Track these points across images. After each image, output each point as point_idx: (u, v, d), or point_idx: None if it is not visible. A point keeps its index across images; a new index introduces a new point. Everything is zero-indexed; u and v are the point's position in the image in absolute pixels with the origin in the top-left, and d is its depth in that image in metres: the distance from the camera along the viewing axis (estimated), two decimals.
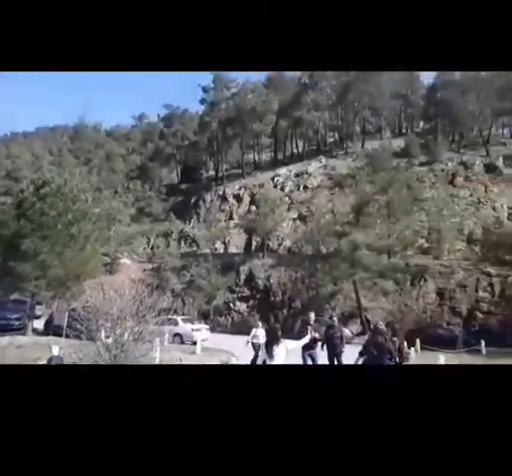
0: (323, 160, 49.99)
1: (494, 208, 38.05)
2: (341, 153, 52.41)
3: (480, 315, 26.07)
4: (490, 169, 43.04)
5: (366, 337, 11.17)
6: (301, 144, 56.77)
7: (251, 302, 33.67)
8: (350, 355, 9.73)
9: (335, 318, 12.08)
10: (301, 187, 45.72)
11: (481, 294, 27.23)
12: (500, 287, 27.33)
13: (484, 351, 21.17)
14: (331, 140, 59.64)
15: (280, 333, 6.52)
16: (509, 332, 24.29)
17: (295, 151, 57.43)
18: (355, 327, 27.74)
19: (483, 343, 21.23)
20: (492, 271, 28.41)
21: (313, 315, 11.69)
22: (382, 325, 9.09)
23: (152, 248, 46.26)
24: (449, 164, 44.49)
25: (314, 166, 48.76)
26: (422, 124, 60.60)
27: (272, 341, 6.37)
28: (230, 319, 33.38)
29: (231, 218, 45.43)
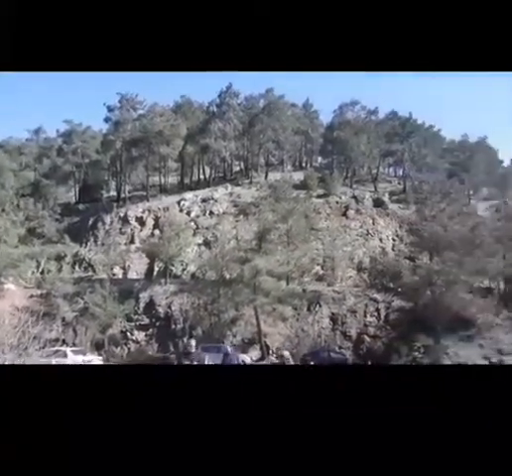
0: (229, 187, 51.19)
1: (381, 239, 41.97)
2: (246, 182, 54.16)
3: (368, 339, 28.16)
4: (378, 203, 47.63)
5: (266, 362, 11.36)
6: (208, 170, 57.59)
7: (150, 331, 32.46)
8: None
9: (228, 346, 11.94)
10: (207, 213, 46.07)
11: (369, 318, 29.54)
12: (385, 312, 29.93)
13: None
14: (237, 169, 61.45)
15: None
16: (392, 355, 26.53)
17: (201, 177, 57.99)
18: (255, 353, 28.15)
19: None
20: (378, 297, 31.06)
21: (193, 343, 11.57)
22: (285, 352, 9.33)
23: (42, 272, 42.54)
24: (343, 197, 48.30)
25: (220, 192, 49.62)
26: (320, 159, 65.31)
27: None
28: (127, 350, 31.73)
29: (132, 242, 43.90)
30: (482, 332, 29.28)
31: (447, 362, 26.06)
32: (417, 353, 27.03)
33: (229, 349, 11.74)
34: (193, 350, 10.94)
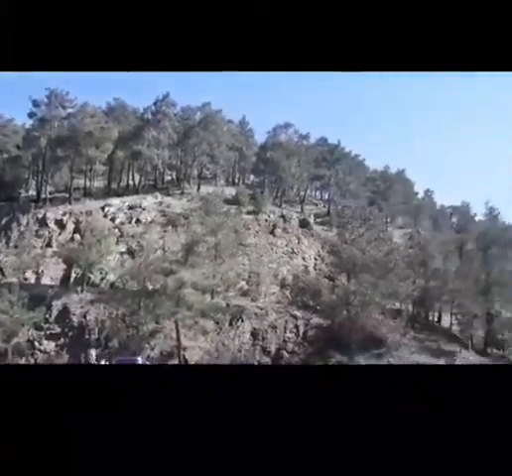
0: (159, 197, 50.22)
1: (304, 258, 43.47)
2: (177, 192, 53.55)
3: (286, 355, 28.80)
4: (303, 224, 49.46)
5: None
6: (137, 177, 56.10)
7: (61, 341, 30.39)
8: None
9: (139, 358, 11.38)
10: (133, 221, 44.66)
11: (288, 334, 30.26)
12: (304, 328, 30.85)
13: None
14: (169, 178, 60.62)
15: None
16: None
17: (130, 183, 56.33)
18: None
19: None
20: (298, 314, 31.99)
21: (93, 353, 11.06)
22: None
23: None
24: (272, 216, 49.53)
25: (149, 201, 48.47)
26: (252, 177, 66.69)
27: None
28: (33, 360, 29.35)
29: (49, 246, 41.16)
30: (391, 351, 31.27)
31: None
32: None
33: (140, 361, 11.20)
34: (93, 361, 10.33)
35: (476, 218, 46.53)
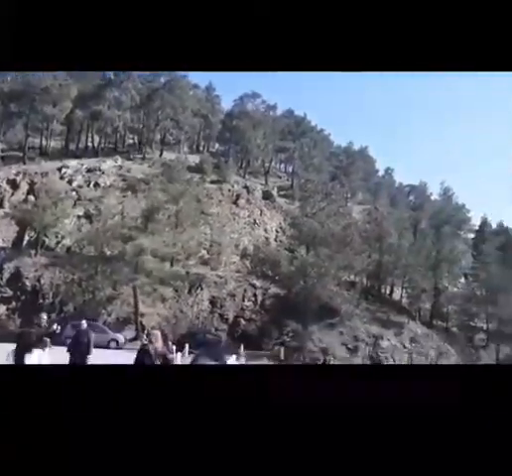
0: (119, 160, 48.55)
1: (265, 230, 43.88)
2: (139, 157, 51.95)
3: (243, 322, 29.44)
4: (266, 196, 49.62)
5: (139, 343, 10.99)
6: (97, 139, 53.79)
7: (13, 305, 29.56)
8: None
9: (84, 323, 11.19)
10: (91, 184, 43.13)
11: (246, 303, 30.85)
12: (262, 297, 31.53)
13: (243, 354, 23.92)
14: (130, 142, 58.54)
15: (34, 340, 6.08)
16: (265, 337, 28.13)
17: (89, 145, 54.00)
18: (130, 333, 27.48)
19: (242, 347, 23.99)
20: (257, 283, 32.57)
21: (45, 316, 10.86)
22: (155, 331, 9.25)
23: None
24: (235, 186, 49.28)
25: (108, 164, 46.78)
26: (217, 146, 65.59)
27: (23, 349, 5.89)
28: None
29: (1, 206, 39.25)
30: (344, 320, 32.63)
31: (311, 346, 28.54)
32: (286, 337, 29.10)
33: (85, 325, 10.96)
34: (45, 324, 10.18)
35: (432, 198, 48.34)
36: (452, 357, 35.10)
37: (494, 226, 56.69)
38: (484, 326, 40.45)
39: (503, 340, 38.94)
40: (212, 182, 48.21)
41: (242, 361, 14.49)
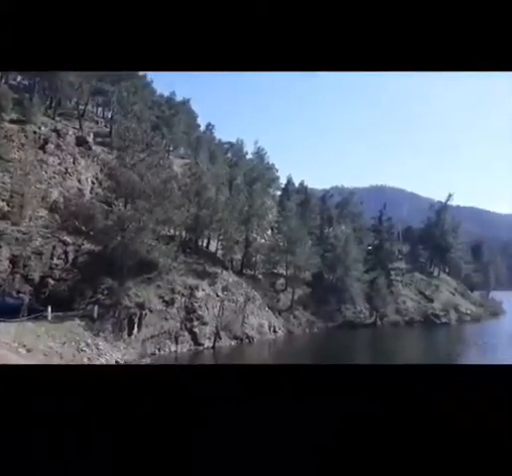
0: None
1: (79, 181, 40.58)
2: None
3: (52, 282, 27.53)
4: (81, 142, 45.34)
5: None
6: None
7: None
8: None
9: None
10: None
11: (56, 261, 28.76)
12: (74, 255, 29.77)
13: (50, 317, 22.59)
14: None
15: None
16: (76, 297, 26.97)
17: None
18: None
19: (50, 309, 22.63)
20: (69, 239, 30.48)
21: None
22: None
23: None
24: (43, 128, 43.52)
25: None
26: (19, 78, 55.92)
27: None
28: None
29: None
30: (161, 274, 33.47)
31: (127, 302, 28.68)
32: (100, 295, 28.47)
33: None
34: None
35: (247, 156, 51.61)
36: (258, 301, 39.96)
37: (297, 185, 64.29)
38: (284, 273, 46.76)
39: (298, 284, 45.90)
40: (13, 122, 41.53)
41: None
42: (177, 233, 40.61)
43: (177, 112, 55.04)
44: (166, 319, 30.72)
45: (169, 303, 31.67)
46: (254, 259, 45.81)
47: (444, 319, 53.87)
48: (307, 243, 46.79)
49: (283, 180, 64.06)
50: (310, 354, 35.11)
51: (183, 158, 54.90)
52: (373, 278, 50.86)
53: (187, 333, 31.33)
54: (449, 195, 69.09)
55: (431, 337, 46.91)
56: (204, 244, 44.35)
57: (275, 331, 39.24)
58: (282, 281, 46.89)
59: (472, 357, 33.54)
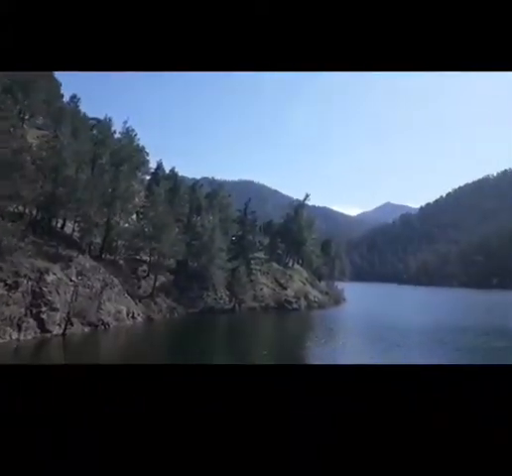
0: None
1: None
2: None
3: None
4: None
5: None
6: None
7: None
8: None
9: None
10: None
11: None
12: None
13: None
14: None
15: None
16: None
17: None
18: None
19: None
20: None
21: None
22: None
23: None
24: None
25: None
26: None
27: None
28: None
29: None
30: (4, 255, 29.90)
31: None
32: None
33: None
34: None
35: (115, 136, 48.81)
36: (117, 287, 38.45)
37: (167, 172, 63.24)
38: (147, 259, 45.80)
39: (161, 271, 45.45)
40: None
41: None
42: (26, 211, 36.70)
43: (35, 77, 49.25)
44: (7, 305, 27.65)
45: (12, 287, 28.54)
46: (115, 244, 43.88)
47: (295, 305, 58.88)
48: (173, 230, 46.48)
49: (153, 165, 62.41)
50: (167, 338, 35.23)
51: (40, 129, 49.49)
52: (235, 266, 53.03)
53: (32, 320, 28.67)
54: (307, 195, 75.97)
55: (282, 321, 50.94)
56: (59, 225, 40.93)
57: (134, 317, 38.31)
58: (144, 267, 45.88)
59: (320, 340, 37.43)
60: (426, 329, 43.25)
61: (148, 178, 59.54)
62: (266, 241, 68.55)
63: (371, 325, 47.07)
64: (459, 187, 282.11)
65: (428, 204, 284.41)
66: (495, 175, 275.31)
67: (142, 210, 47.74)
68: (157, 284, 44.40)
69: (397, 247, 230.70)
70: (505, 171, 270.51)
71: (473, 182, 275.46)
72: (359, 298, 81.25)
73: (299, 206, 75.17)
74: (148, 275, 44.98)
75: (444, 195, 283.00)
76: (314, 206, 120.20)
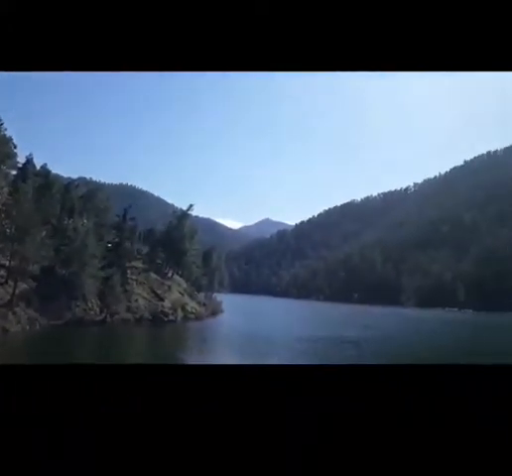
0: None
1: None
2: None
3: None
4: None
5: None
6: None
7: None
8: None
9: None
10: None
11: None
12: None
13: None
14: None
15: None
16: None
17: None
18: None
19: None
20: None
21: None
22: None
23: None
24: None
25: None
26: None
27: None
28: None
29: None
30: None
31: None
32: None
33: None
34: None
35: None
36: None
37: (38, 168, 57.51)
38: (6, 263, 40.89)
39: (22, 277, 40.92)
40: None
41: None
42: None
43: None
44: None
45: None
46: None
47: (171, 317, 57.78)
48: (40, 232, 42.32)
49: (21, 160, 56.20)
50: (19, 353, 31.61)
51: None
52: (109, 275, 50.20)
53: None
54: (191, 205, 75.82)
55: (155, 333, 49.60)
56: None
57: None
58: (3, 272, 40.84)
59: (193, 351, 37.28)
60: (289, 339, 46.75)
61: (14, 172, 53.43)
62: (146, 249, 66.38)
63: (243, 335, 48.85)
64: (329, 209, 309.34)
65: (302, 222, 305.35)
66: (359, 200, 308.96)
67: (4, 208, 42.63)
68: (16, 291, 39.80)
69: (272, 261, 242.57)
70: (368, 197, 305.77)
71: (341, 206, 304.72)
72: (235, 310, 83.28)
73: (182, 216, 74.54)
74: (6, 281, 40.12)
75: (315, 215, 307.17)
76: (197, 217, 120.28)
